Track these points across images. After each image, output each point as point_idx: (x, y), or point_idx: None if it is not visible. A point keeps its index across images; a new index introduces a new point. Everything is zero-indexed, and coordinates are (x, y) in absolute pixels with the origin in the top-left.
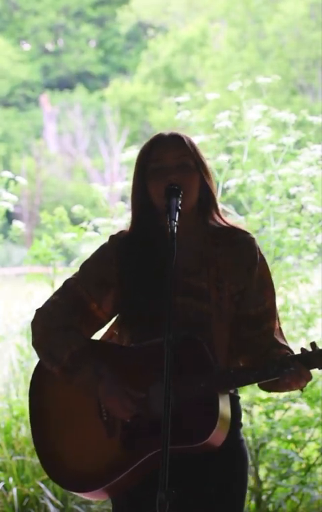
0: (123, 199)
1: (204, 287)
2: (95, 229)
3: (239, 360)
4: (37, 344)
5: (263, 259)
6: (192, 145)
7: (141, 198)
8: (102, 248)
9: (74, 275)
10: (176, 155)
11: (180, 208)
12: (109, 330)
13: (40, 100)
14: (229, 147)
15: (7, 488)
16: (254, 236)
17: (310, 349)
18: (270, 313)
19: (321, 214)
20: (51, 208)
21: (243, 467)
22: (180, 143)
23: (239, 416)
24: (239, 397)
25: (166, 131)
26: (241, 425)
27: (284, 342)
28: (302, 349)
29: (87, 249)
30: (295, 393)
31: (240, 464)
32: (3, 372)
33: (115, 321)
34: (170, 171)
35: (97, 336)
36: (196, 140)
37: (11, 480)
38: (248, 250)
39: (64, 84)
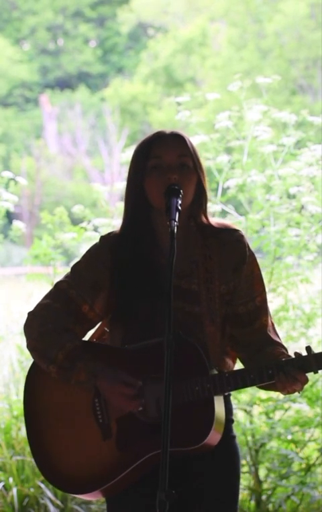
0: (123, 199)
1: (194, 289)
2: (95, 229)
3: (233, 359)
4: (31, 346)
5: (252, 255)
6: (192, 145)
7: (135, 194)
8: (94, 250)
9: (66, 277)
10: (177, 154)
11: (180, 208)
12: (99, 327)
13: (40, 100)
14: (229, 147)
15: (7, 488)
16: (242, 232)
17: (305, 353)
18: (261, 309)
19: (321, 214)
20: (51, 208)
21: (237, 463)
22: (182, 143)
23: (230, 412)
24: (230, 394)
25: (166, 129)
26: (232, 421)
27: (277, 339)
28: (296, 353)
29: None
30: (295, 393)
31: (233, 460)
32: (3, 372)
33: (106, 319)
34: (170, 170)
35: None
36: (196, 140)
37: (11, 480)
38: (236, 249)
39: (63, 84)
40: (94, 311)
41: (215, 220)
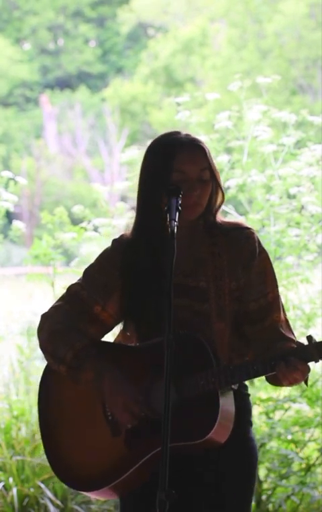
0: (123, 199)
1: (203, 287)
2: (95, 229)
3: (246, 356)
4: (43, 348)
5: (263, 252)
6: (209, 152)
7: (152, 203)
8: (106, 253)
9: (78, 280)
10: (199, 168)
11: (180, 208)
12: (120, 331)
13: (40, 100)
14: (229, 147)
15: (7, 488)
16: (253, 230)
17: (306, 342)
18: (273, 306)
19: (321, 214)
20: (51, 208)
21: (253, 465)
22: (203, 155)
23: (249, 413)
24: (248, 395)
25: (182, 135)
26: (251, 423)
27: (290, 335)
28: (298, 342)
29: (87, 249)
30: (295, 392)
31: (249, 461)
32: (3, 372)
33: (123, 322)
34: (193, 186)
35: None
36: None
37: (11, 480)
38: (246, 246)
39: (63, 84)
40: (107, 311)
41: (226, 220)
